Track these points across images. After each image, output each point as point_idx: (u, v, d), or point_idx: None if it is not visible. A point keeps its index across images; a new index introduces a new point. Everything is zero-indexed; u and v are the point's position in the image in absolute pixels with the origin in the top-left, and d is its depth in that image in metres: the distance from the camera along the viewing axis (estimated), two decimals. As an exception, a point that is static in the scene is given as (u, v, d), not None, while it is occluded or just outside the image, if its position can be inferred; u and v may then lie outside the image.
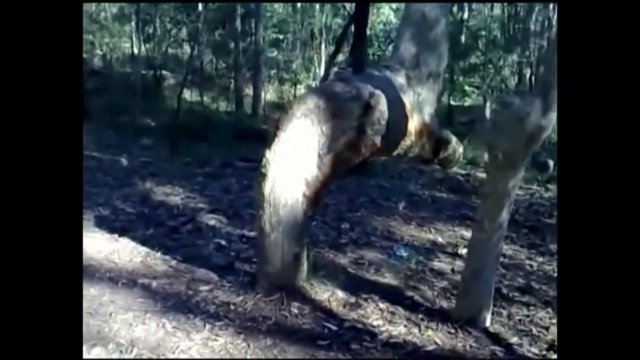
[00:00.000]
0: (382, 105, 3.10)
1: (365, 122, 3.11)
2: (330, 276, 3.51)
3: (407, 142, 3.28)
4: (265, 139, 8.79)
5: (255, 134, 8.37)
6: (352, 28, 8.78)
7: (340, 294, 3.29)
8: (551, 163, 7.69)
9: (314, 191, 3.18)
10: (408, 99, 3.23)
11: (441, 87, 3.46)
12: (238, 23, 9.09)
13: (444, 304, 3.32)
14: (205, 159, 7.06)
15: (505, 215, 2.84)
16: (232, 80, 11.82)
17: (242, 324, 2.92)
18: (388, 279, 3.63)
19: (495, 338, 2.90)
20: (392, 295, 3.33)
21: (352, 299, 3.24)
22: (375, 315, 3.08)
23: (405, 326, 2.98)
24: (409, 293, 3.41)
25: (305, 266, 3.35)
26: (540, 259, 4.31)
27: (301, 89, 13.08)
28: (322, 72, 13.46)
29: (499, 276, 3.82)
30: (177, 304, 3.09)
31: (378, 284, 3.53)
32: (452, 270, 3.92)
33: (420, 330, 2.94)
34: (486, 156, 3.12)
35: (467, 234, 4.75)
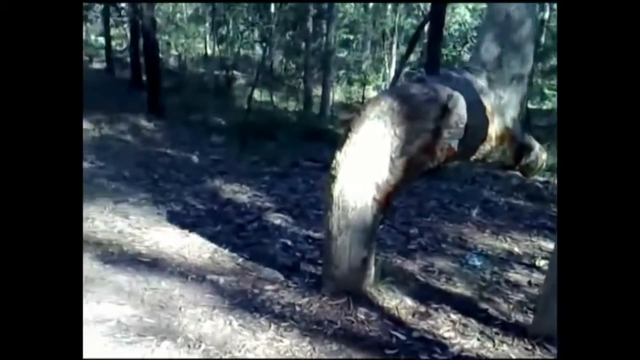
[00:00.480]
0: (460, 107, 2.97)
1: (441, 125, 2.98)
2: (399, 283, 3.41)
3: (486, 147, 3.12)
4: (332, 139, 8.77)
5: (323, 134, 8.37)
6: (426, 28, 8.61)
7: (409, 302, 3.18)
8: None
9: (384, 195, 3.09)
10: (489, 101, 3.07)
11: (525, 90, 3.27)
12: (310, 24, 9.11)
13: (520, 318, 3.14)
14: (273, 158, 7.10)
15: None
16: (302, 81, 11.88)
17: (307, 326, 2.87)
18: (460, 288, 3.48)
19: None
20: (464, 306, 3.18)
21: (422, 308, 3.12)
22: (446, 327, 2.95)
23: (478, 339, 2.83)
24: (483, 305, 3.25)
25: (372, 271, 3.27)
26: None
27: (370, 90, 12.98)
28: (392, 72, 13.31)
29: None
30: (244, 302, 3.09)
31: (449, 293, 3.39)
32: (529, 282, 3.71)
33: (494, 345, 2.78)
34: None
35: (546, 244, 4.52)
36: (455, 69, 3.30)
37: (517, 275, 3.85)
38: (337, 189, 3.06)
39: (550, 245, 4.49)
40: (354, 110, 11.81)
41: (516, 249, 4.41)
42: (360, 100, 12.24)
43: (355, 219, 3.08)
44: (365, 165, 3.03)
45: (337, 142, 8.67)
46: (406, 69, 11.16)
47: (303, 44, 10.53)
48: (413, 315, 3.05)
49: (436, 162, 3.13)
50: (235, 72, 13.66)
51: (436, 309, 3.12)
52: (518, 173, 4.61)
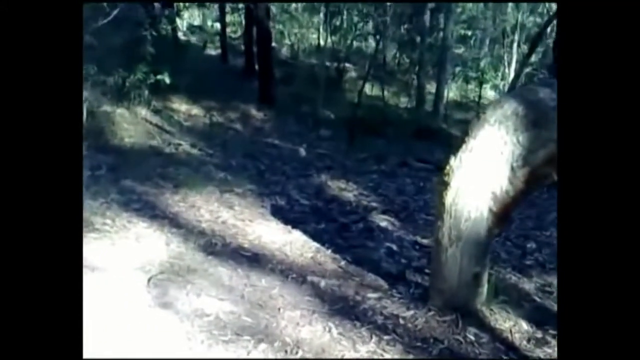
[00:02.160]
0: (596, 115, 2.62)
1: (573, 134, 2.66)
2: (513, 303, 3.12)
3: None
4: (444, 139, 8.43)
5: (435, 134, 8.07)
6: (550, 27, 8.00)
7: (524, 325, 2.90)
8: None
9: (502, 207, 2.83)
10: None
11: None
12: (427, 17, 8.76)
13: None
14: (382, 155, 6.93)
15: None
16: (415, 76, 11.58)
17: (411, 342, 2.70)
18: (582, 315, 3.12)
19: None
20: (587, 337, 2.85)
21: (539, 334, 2.83)
22: (566, 359, 2.64)
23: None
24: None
25: (485, 288, 3.02)
26: None
27: (487, 89, 12.36)
28: (511, 72, 12.57)
29: None
30: (345, 309, 2.98)
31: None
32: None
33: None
34: None
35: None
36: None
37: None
38: (450, 196, 2.84)
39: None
40: (469, 109, 11.32)
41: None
42: (477, 99, 11.70)
43: (468, 231, 2.85)
44: (482, 173, 2.79)
45: (449, 142, 8.35)
46: (527, 70, 10.46)
47: (418, 38, 10.19)
48: (528, 340, 2.77)
49: (564, 174, 2.81)
50: (347, 65, 13.59)
51: (554, 336, 2.80)
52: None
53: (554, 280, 3.59)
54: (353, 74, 14.45)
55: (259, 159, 6.51)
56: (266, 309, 2.91)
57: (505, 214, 2.87)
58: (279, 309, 2.92)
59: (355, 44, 13.99)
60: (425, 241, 4.15)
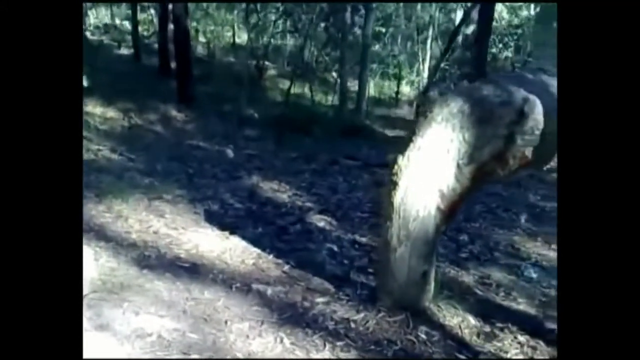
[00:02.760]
0: (537, 112, 2.70)
1: (516, 131, 2.72)
2: (457, 297, 3.17)
3: (562, 155, 2.86)
4: (370, 136, 8.52)
5: (360, 131, 8.13)
6: (466, 25, 8.31)
7: (472, 320, 2.94)
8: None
9: (449, 204, 2.85)
10: (567, 106, 2.80)
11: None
12: (347, 14, 8.79)
13: (592, 342, 2.87)
14: (311, 154, 6.88)
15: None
16: (336, 74, 11.66)
17: (364, 346, 2.66)
18: (522, 305, 3.22)
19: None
20: (530, 326, 2.93)
21: (487, 328, 2.88)
22: (514, 350, 2.70)
23: (550, 366, 2.60)
24: (549, 324, 2.98)
25: (432, 286, 3.03)
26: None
27: (404, 85, 12.67)
28: (426, 68, 12.96)
29: None
30: (294, 317, 2.89)
31: (513, 311, 3.14)
32: (593, 299, 3.43)
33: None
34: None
35: (604, 256, 4.23)
36: (530, 70, 3.02)
37: (580, 290, 3.57)
38: (399, 196, 2.83)
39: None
40: (388, 106, 11.55)
41: (575, 261, 4.12)
42: (395, 96, 11.95)
43: (416, 230, 2.85)
44: (430, 171, 2.80)
45: (374, 139, 8.45)
46: (444, 65, 10.85)
47: (339, 35, 10.21)
48: (478, 335, 2.81)
49: (507, 170, 2.88)
50: (266, 63, 13.43)
51: (501, 329, 2.87)
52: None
53: (490, 272, 3.70)
54: (273, 71, 14.33)
55: (185, 162, 6.25)
56: (212, 323, 2.76)
57: (452, 211, 2.90)
58: (226, 322, 2.78)
59: (273, 41, 13.85)
60: (363, 240, 4.15)
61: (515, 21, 13.13)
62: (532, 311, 3.15)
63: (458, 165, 2.79)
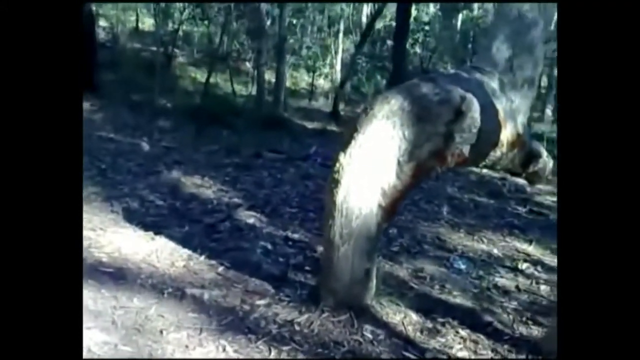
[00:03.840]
0: (474, 111, 2.75)
1: (454, 129, 2.76)
2: (397, 293, 3.19)
3: (497, 153, 2.94)
4: (290, 128, 8.41)
5: (280, 123, 8.02)
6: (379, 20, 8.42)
7: (414, 316, 2.97)
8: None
9: (391, 202, 2.85)
10: (501, 106, 2.88)
11: (535, 94, 3.12)
12: (264, 5, 8.59)
13: (523, 330, 3.00)
14: (232, 147, 6.67)
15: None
16: (250, 64, 11.43)
17: (311, 349, 2.60)
18: (458, 298, 3.30)
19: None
20: (469, 319, 3.00)
21: (429, 323, 2.91)
22: (458, 345, 2.76)
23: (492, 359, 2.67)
24: (486, 316, 3.09)
25: (374, 283, 3.02)
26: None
27: (317, 78, 12.67)
28: (338, 60, 13.03)
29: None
30: (235, 322, 2.76)
31: (450, 304, 3.20)
32: (518, 288, 3.60)
33: (512, 366, 2.62)
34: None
35: (520, 246, 4.46)
36: (466, 69, 3.08)
37: (504, 279, 3.72)
38: (341, 194, 2.78)
39: (524, 246, 4.45)
40: (302, 97, 11.51)
41: (495, 251, 4.30)
42: (310, 87, 11.93)
43: (359, 227, 2.82)
44: (371, 169, 2.77)
45: (295, 132, 8.36)
46: (360, 58, 10.98)
47: (254, 25, 9.97)
48: (421, 332, 2.84)
49: (446, 167, 2.92)
50: (175, 50, 12.89)
51: (443, 324, 2.92)
52: (477, 169, 4.50)
53: (422, 265, 3.77)
54: (182, 59, 13.80)
55: (96, 156, 5.81)
56: (146, 334, 2.57)
57: (394, 208, 2.90)
58: (161, 332, 2.60)
59: (183, 28, 13.32)
60: (296, 236, 4.08)
61: (425, 18, 13.55)
62: (468, 304, 3.24)
63: (399, 163, 2.79)
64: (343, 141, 2.84)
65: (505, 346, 2.77)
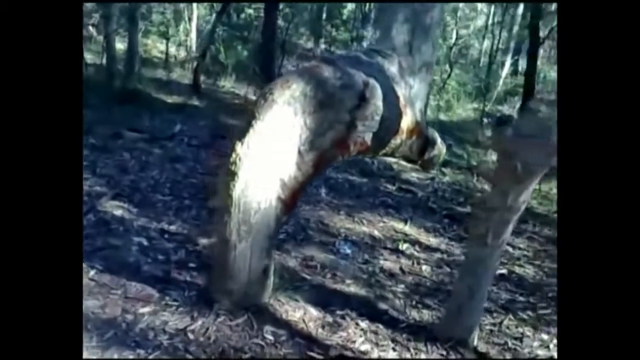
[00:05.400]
0: (377, 97, 2.66)
1: (357, 116, 2.65)
2: (293, 287, 3.05)
3: (397, 141, 2.89)
4: (148, 103, 7.73)
5: (136, 96, 7.33)
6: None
7: (313, 311, 2.85)
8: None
9: (290, 194, 2.67)
10: (401, 92, 2.82)
11: (432, 79, 3.11)
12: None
13: (416, 315, 3.04)
14: (86, 126, 5.92)
15: (510, 231, 2.62)
16: (95, 29, 10.31)
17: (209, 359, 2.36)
18: (352, 287, 3.25)
19: (487, 359, 2.70)
20: (365, 309, 2.97)
21: (329, 318, 2.82)
22: (359, 337, 2.70)
23: (394, 349, 2.65)
24: (380, 304, 3.08)
25: (271, 280, 2.84)
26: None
27: (171, 45, 11.86)
28: (193, 27, 12.34)
29: (447, 275, 3.68)
30: (119, 336, 2.42)
31: (345, 295, 3.14)
32: (402, 270, 3.67)
33: (412, 355, 2.63)
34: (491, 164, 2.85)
35: (397, 225, 4.57)
36: (365, 52, 2.96)
37: (388, 262, 3.78)
38: (239, 188, 2.54)
39: (400, 226, 4.56)
40: (156, 66, 10.69)
41: (376, 233, 4.36)
42: (164, 56, 11.12)
43: (258, 223, 2.61)
44: (271, 159, 2.56)
45: (154, 107, 7.68)
46: (221, 28, 10.45)
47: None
48: (323, 327, 2.73)
49: (347, 156, 2.81)
50: None
51: (342, 317, 2.85)
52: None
53: (309, 252, 3.67)
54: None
55: None
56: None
57: (293, 201, 2.73)
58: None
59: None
60: (173, 228, 3.73)
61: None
62: (362, 292, 3.20)
63: (300, 152, 2.62)
64: (240, 129, 2.58)
65: (404, 335, 2.78)
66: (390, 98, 2.73)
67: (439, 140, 3.24)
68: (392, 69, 2.82)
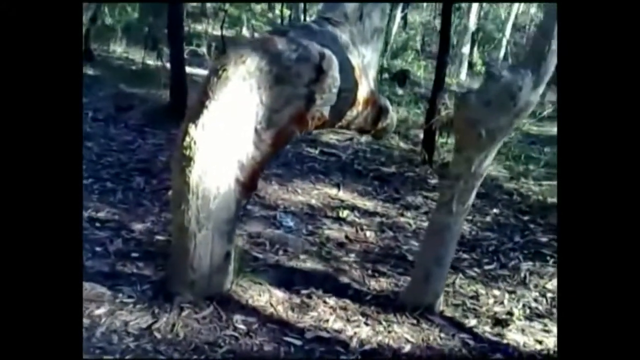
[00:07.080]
0: (334, 69, 2.55)
1: (315, 90, 2.53)
2: (250, 269, 2.94)
3: (353, 112, 2.80)
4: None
5: None
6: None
7: (278, 293, 2.76)
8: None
9: (249, 175, 2.53)
10: (355, 60, 2.73)
11: (382, 46, 3.03)
12: None
13: (375, 285, 3.06)
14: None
15: (473, 197, 2.67)
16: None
17: (183, 358, 2.22)
18: (308, 262, 3.19)
19: (455, 323, 2.78)
20: (329, 285, 2.93)
21: (295, 299, 2.75)
22: (330, 315, 2.67)
23: (366, 324, 2.65)
24: (341, 278, 3.06)
25: (232, 266, 2.71)
26: (411, 214, 4.32)
27: None
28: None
29: (391, 239, 3.74)
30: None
31: (304, 271, 3.07)
32: (348, 238, 3.67)
33: (384, 328, 2.64)
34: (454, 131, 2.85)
35: (330, 191, 4.55)
36: (316, 21, 2.81)
37: (332, 231, 3.76)
38: (195, 174, 2.35)
39: (334, 192, 4.55)
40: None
41: (313, 201, 4.30)
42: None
43: (218, 209, 2.46)
44: (227, 141, 2.40)
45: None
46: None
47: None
48: (292, 309, 2.66)
49: (305, 132, 2.70)
50: None
51: (308, 296, 2.79)
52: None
53: (254, 228, 3.56)
54: None
55: None
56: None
57: (253, 183, 2.58)
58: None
59: None
60: (102, 215, 3.43)
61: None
62: (319, 267, 3.16)
63: (256, 131, 2.48)
64: (192, 110, 2.37)
65: (372, 308, 2.78)
66: (346, 68, 2.64)
67: (390, 108, 3.20)
68: (345, 37, 2.71)
